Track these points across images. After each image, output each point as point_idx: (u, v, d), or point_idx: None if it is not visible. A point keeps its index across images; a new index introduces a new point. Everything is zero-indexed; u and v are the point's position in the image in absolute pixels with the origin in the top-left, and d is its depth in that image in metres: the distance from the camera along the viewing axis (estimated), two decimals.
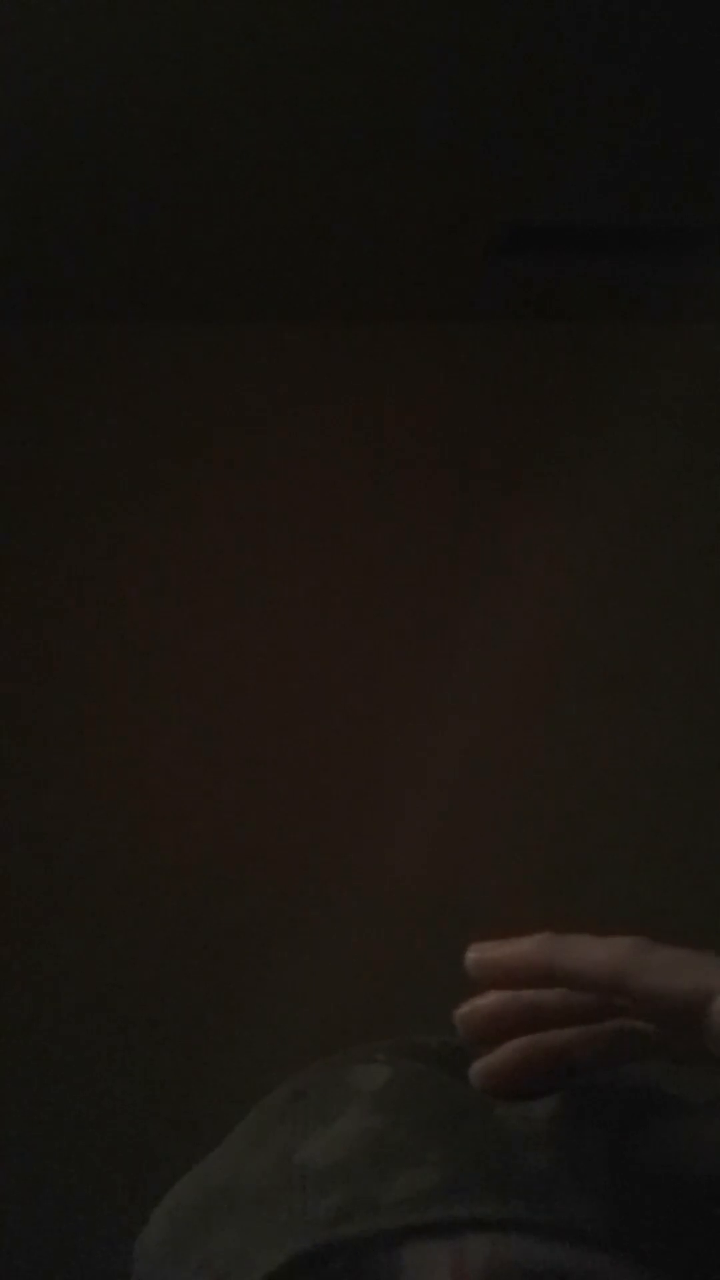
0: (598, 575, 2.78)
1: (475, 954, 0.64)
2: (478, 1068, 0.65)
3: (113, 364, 2.77)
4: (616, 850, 2.72)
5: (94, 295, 2.66)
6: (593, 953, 0.61)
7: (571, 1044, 0.65)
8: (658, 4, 1.96)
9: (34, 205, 2.36)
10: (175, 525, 2.77)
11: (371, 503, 2.81)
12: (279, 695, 2.76)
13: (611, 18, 1.99)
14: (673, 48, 2.05)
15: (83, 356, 2.76)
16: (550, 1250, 0.61)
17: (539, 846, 2.72)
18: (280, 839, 2.72)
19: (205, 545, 2.78)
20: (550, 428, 2.80)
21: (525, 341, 2.82)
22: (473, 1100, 0.66)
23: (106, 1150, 2.61)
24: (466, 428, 2.83)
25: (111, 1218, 2.43)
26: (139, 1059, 2.65)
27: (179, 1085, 2.61)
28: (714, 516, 2.81)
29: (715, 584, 2.81)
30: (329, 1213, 0.63)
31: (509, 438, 2.82)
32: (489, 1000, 0.64)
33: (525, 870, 2.69)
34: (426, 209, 2.43)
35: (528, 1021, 0.64)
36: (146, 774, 2.72)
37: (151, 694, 2.74)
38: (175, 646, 2.76)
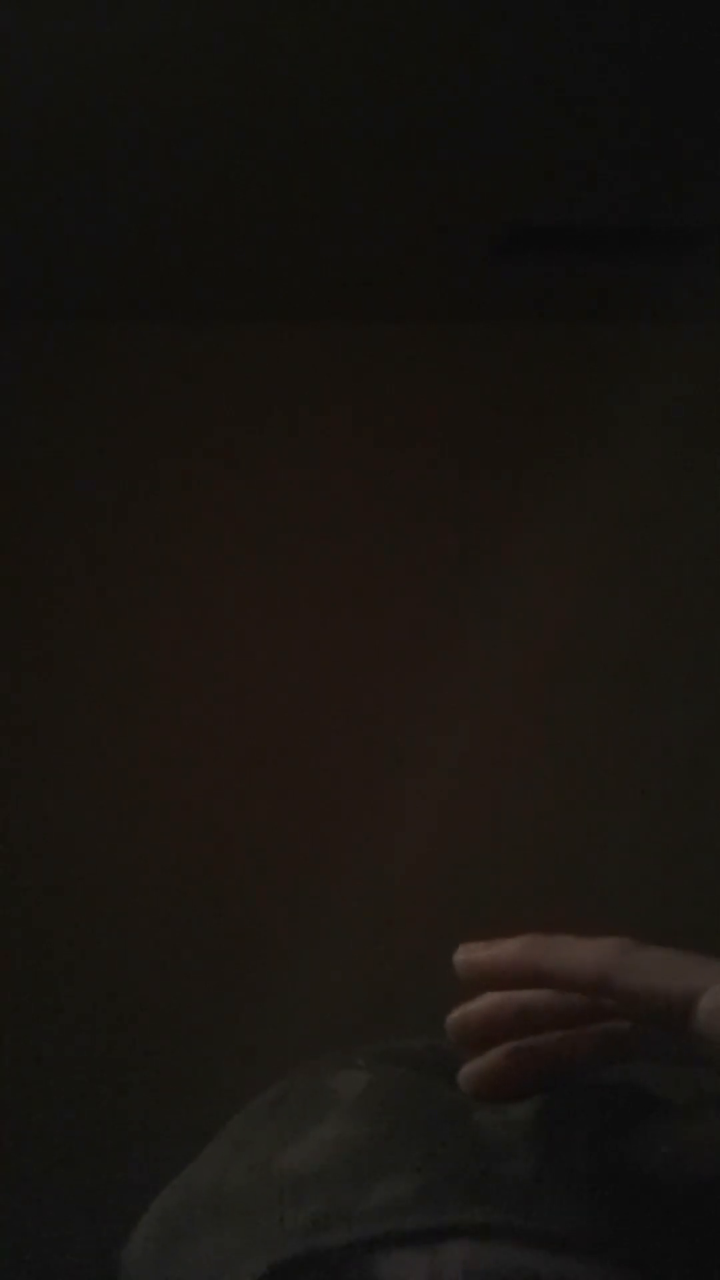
0: (598, 575, 2.78)
1: (462, 955, 0.65)
2: (466, 1072, 0.65)
3: (113, 364, 2.76)
4: (619, 851, 2.72)
5: (94, 295, 2.66)
6: (578, 954, 0.61)
7: (560, 1047, 0.66)
8: (658, 4, 1.96)
9: (34, 205, 2.36)
10: (175, 525, 2.77)
11: (371, 503, 2.81)
12: (279, 695, 2.76)
13: (611, 18, 1.99)
14: (673, 48, 2.05)
15: (83, 356, 2.76)
16: (529, 1257, 0.61)
17: (541, 846, 2.72)
18: (280, 840, 2.72)
19: (205, 545, 2.78)
20: (550, 428, 2.80)
21: (525, 342, 2.81)
22: (453, 1105, 0.66)
23: (103, 1154, 2.61)
24: (466, 428, 2.83)
25: (100, 1226, 2.43)
26: (137, 1062, 2.65)
27: (178, 1089, 2.61)
28: (714, 516, 2.81)
29: (716, 584, 2.81)
30: (306, 1222, 0.63)
31: (509, 438, 2.82)
32: (480, 1005, 0.65)
33: (527, 870, 2.69)
34: (427, 209, 2.43)
35: (518, 1025, 0.65)
36: (145, 774, 2.72)
37: (151, 694, 2.74)
38: (175, 646, 2.76)
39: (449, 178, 2.34)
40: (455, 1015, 0.65)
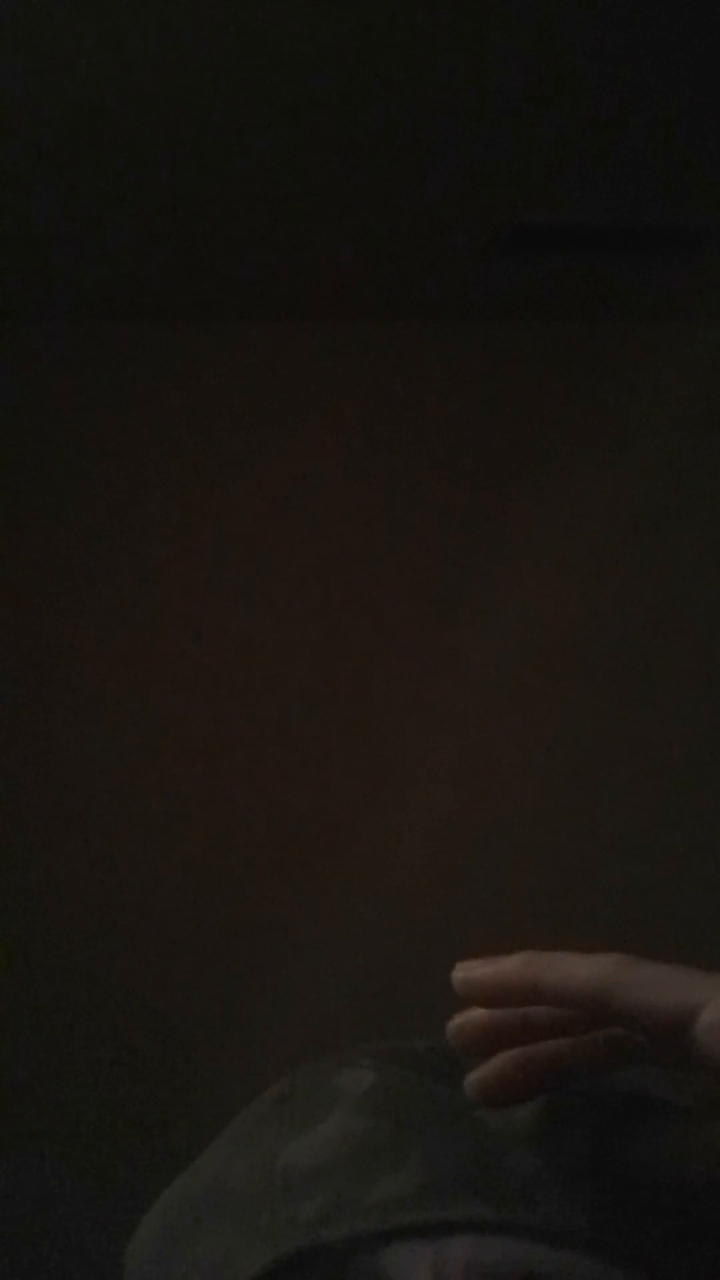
0: (599, 575, 2.78)
1: (461, 974, 0.64)
2: (472, 1079, 0.65)
3: (113, 364, 2.77)
4: (618, 855, 2.72)
5: (94, 295, 2.66)
6: (576, 971, 0.61)
7: (563, 1054, 0.66)
8: (657, 4, 1.96)
9: (34, 205, 2.36)
10: (175, 525, 2.77)
11: (371, 502, 2.81)
12: (279, 697, 2.76)
13: (611, 18, 1.99)
14: (673, 48, 2.05)
15: (83, 356, 2.76)
16: (531, 1251, 0.62)
17: (540, 849, 2.72)
18: (281, 841, 2.72)
19: (205, 545, 2.78)
20: (550, 428, 2.80)
21: (525, 341, 2.82)
22: (456, 1104, 0.66)
23: (103, 1153, 2.61)
24: (466, 428, 2.83)
25: (106, 1222, 2.44)
26: (137, 1063, 2.65)
27: (177, 1090, 2.61)
28: (715, 516, 2.81)
29: (716, 584, 2.81)
30: (311, 1215, 0.63)
31: (509, 437, 2.82)
32: (481, 1013, 0.65)
33: (527, 870, 2.69)
34: (426, 209, 2.43)
35: (519, 1033, 0.65)
36: (145, 777, 2.72)
37: (151, 696, 2.74)
38: (175, 647, 2.76)
39: (449, 178, 2.35)
40: (456, 1023, 0.65)
